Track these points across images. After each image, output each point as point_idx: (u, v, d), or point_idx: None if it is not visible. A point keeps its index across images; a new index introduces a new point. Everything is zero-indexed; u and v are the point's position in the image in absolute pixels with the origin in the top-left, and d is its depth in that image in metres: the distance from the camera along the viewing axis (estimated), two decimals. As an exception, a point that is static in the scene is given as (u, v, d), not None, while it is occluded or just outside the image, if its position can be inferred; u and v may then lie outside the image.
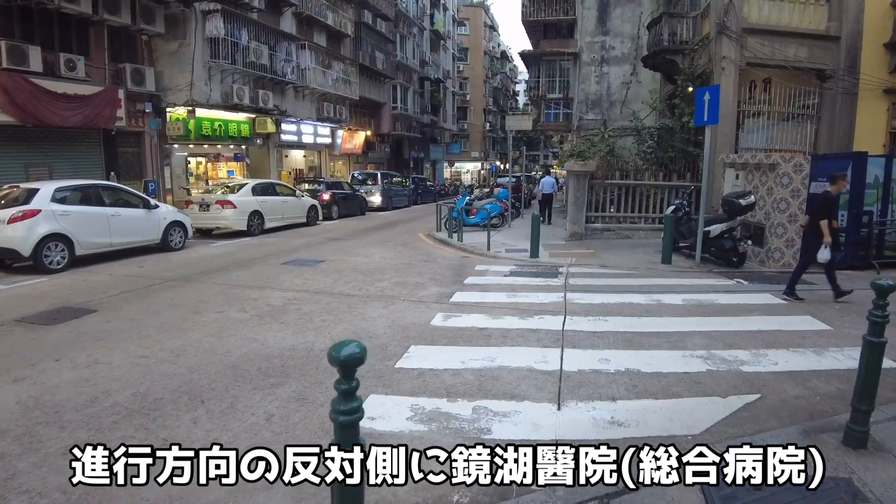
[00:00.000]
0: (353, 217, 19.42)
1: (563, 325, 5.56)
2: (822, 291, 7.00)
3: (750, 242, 8.95)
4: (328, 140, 24.31)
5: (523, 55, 20.49)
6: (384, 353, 4.68)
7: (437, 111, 38.46)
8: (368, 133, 27.60)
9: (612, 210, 12.51)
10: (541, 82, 20.40)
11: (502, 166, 60.66)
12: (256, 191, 14.37)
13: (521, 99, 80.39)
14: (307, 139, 22.60)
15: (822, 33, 11.91)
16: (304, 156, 24.73)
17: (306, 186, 19.17)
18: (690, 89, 12.81)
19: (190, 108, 15.91)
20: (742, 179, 10.02)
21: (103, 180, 12.02)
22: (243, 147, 19.27)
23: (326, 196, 17.84)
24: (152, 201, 11.19)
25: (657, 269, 9.01)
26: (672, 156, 12.29)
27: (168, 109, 15.91)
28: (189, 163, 17.99)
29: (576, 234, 12.25)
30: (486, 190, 25.14)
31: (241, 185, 14.24)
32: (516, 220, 17.98)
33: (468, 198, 16.41)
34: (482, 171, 60.93)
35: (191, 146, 17.33)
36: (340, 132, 25.03)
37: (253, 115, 18.92)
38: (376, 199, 22.72)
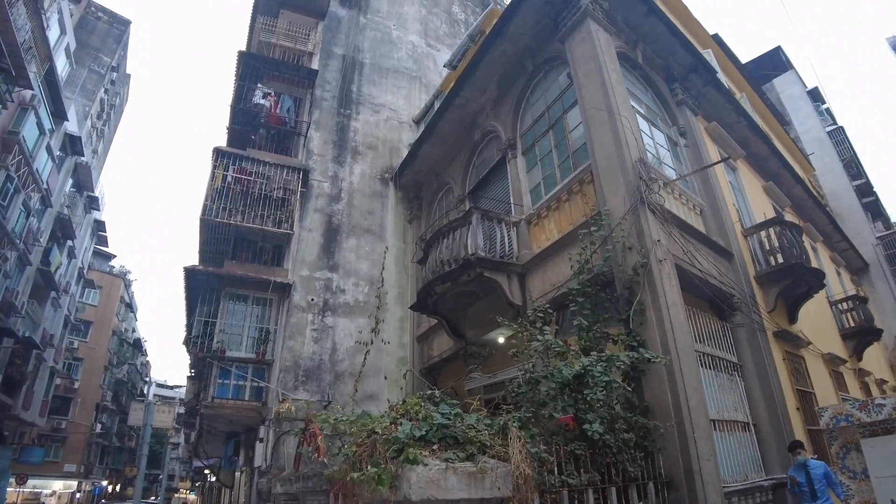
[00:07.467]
0: None
1: None
2: None
3: None
4: None
5: (192, 273, 11.57)
6: None
7: (14, 390, 22.63)
8: None
9: None
10: (217, 328, 11.46)
11: (113, 488, 41.12)
12: None
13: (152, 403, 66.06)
14: None
15: (722, 247, 8.17)
16: None
17: None
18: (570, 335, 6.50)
19: None
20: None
21: None
22: None
23: None
24: None
25: None
26: (624, 439, 5.12)
27: None
28: None
29: None
30: None
31: None
32: None
33: None
34: (78, 495, 39.71)
35: None
36: None
37: None
38: None
